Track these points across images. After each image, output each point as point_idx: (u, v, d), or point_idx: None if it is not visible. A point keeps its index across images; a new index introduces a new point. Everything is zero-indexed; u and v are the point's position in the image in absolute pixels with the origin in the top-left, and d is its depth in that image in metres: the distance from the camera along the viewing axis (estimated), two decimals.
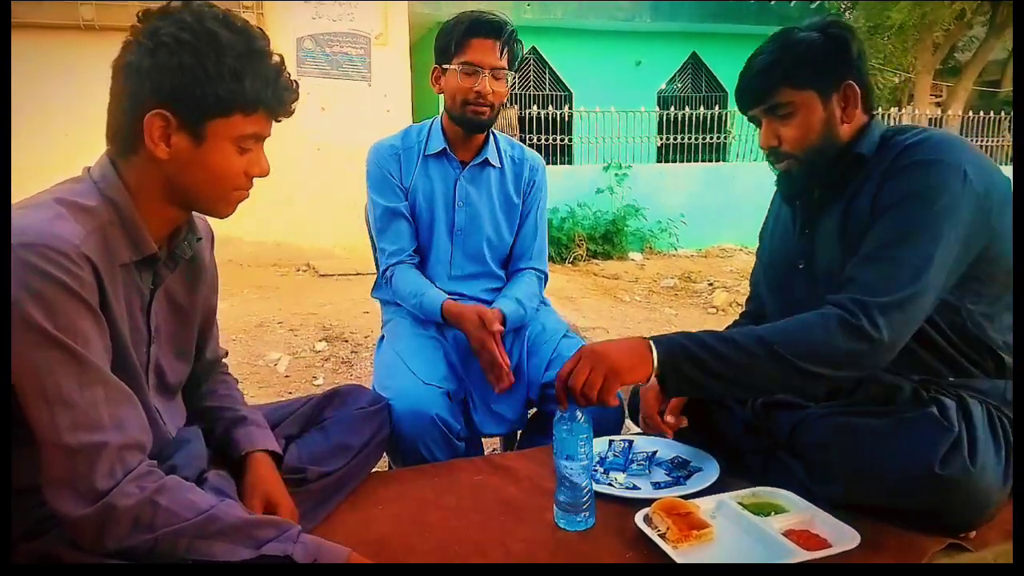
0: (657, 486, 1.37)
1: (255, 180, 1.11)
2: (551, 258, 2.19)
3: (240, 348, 4.22)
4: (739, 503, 1.24)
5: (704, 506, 1.22)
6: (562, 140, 8.56)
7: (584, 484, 1.22)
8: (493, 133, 1.97)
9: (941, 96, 11.62)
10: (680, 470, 1.43)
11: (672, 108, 8.93)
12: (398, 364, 1.72)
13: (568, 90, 10.57)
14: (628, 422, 1.73)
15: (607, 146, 8.61)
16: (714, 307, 5.70)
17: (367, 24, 7.57)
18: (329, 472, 1.33)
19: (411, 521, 1.28)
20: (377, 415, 1.50)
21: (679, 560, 1.09)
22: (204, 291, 1.25)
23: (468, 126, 1.85)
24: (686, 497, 1.26)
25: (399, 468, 1.63)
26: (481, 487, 1.41)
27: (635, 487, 1.37)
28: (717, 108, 9.07)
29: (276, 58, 1.05)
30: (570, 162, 8.75)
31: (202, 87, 0.98)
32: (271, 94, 1.04)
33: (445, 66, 1.82)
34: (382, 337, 1.97)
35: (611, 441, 1.55)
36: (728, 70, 10.48)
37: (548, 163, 2.12)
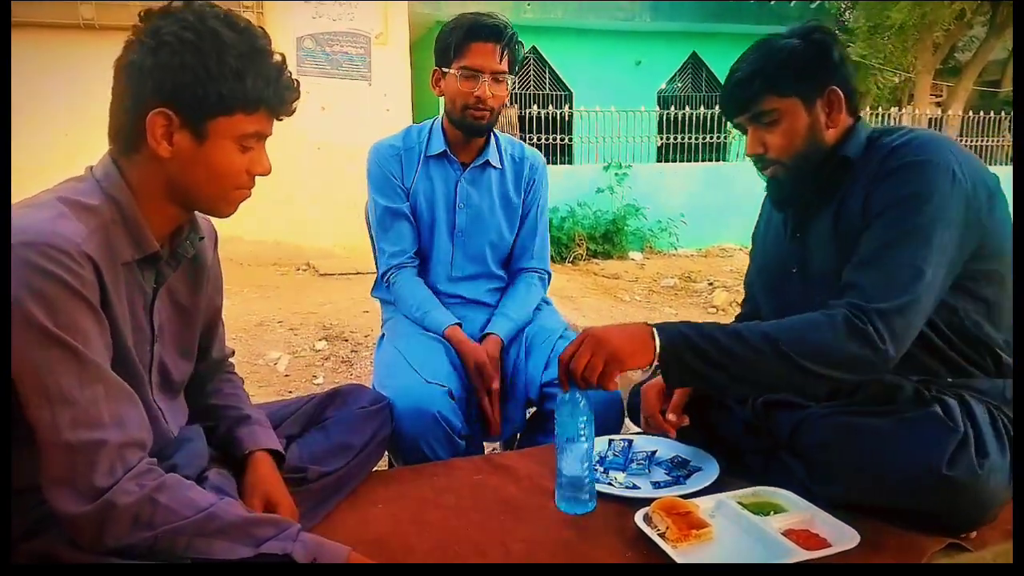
0: (657, 485, 1.37)
1: (256, 179, 1.11)
2: (551, 258, 2.19)
3: (240, 347, 4.22)
4: (739, 503, 1.24)
5: (704, 506, 1.23)
6: (562, 140, 8.55)
7: (585, 466, 1.24)
8: (494, 133, 1.96)
9: (941, 96, 11.60)
10: (680, 469, 1.43)
11: (672, 108, 8.93)
12: (400, 362, 1.72)
13: (568, 90, 10.56)
14: (628, 422, 1.73)
15: (607, 146, 8.60)
16: (714, 307, 5.71)
17: (367, 23, 7.57)
18: (330, 472, 1.33)
19: (411, 520, 1.28)
20: (378, 414, 1.50)
21: (679, 560, 1.09)
22: (208, 291, 1.25)
23: (468, 130, 1.85)
24: (686, 496, 1.26)
25: (399, 466, 1.63)
26: (481, 486, 1.41)
27: (635, 486, 1.37)
28: (717, 108, 9.03)
29: (278, 57, 1.06)
30: (570, 162, 8.74)
31: (204, 86, 0.98)
32: (273, 93, 1.04)
33: (445, 69, 1.81)
34: (382, 336, 1.97)
35: (611, 441, 1.55)
36: (728, 70, 10.45)
37: (548, 163, 2.12)
